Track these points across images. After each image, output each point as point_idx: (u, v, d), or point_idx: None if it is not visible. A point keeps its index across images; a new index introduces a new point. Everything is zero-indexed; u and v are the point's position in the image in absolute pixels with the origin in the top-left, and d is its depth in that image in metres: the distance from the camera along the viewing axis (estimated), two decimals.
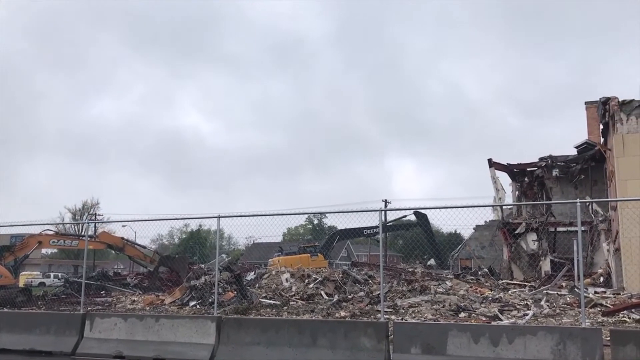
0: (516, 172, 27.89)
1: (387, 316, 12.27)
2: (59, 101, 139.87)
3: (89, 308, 16.53)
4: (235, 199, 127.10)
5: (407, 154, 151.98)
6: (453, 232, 49.08)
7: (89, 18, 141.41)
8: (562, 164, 26.46)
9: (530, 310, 13.20)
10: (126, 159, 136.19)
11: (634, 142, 18.01)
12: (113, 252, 29.18)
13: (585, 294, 11.72)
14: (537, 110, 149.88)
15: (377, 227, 26.66)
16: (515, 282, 20.01)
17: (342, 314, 13.89)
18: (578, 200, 9.85)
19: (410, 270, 23.08)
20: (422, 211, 28.48)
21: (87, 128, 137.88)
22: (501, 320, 12.18)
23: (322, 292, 17.19)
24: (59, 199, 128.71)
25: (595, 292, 15.76)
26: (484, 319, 12.38)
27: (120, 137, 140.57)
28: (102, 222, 53.85)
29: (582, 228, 12.05)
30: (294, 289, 17.79)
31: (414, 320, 12.28)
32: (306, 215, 75.61)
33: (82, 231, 49.71)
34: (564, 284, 17.56)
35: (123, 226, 27.80)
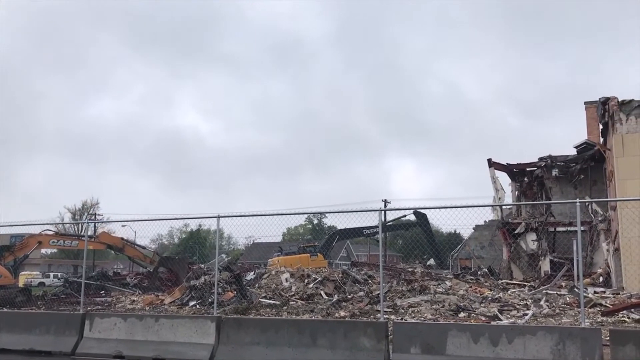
0: (516, 172, 27.90)
1: (387, 316, 12.27)
2: (58, 101, 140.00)
3: (88, 308, 16.53)
4: (235, 199, 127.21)
5: (407, 154, 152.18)
6: (453, 232, 49.12)
7: (89, 18, 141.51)
8: (562, 164, 26.48)
9: (529, 310, 13.20)
10: (126, 159, 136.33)
11: (634, 142, 18.02)
12: (113, 252, 29.17)
13: (584, 294, 11.72)
14: (537, 110, 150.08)
15: (376, 227, 26.69)
16: (514, 282, 20.02)
17: (342, 313, 13.89)
18: (577, 200, 9.86)
19: (409, 270, 23.09)
20: (422, 211, 28.51)
21: (86, 128, 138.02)
22: (501, 320, 12.18)
23: (322, 292, 17.20)
24: (58, 198, 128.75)
25: (595, 292, 15.76)
26: (483, 318, 12.39)
27: (120, 137, 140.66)
28: (102, 222, 53.83)
29: (582, 228, 12.04)
30: (293, 288, 17.80)
31: (413, 320, 12.28)
32: (306, 215, 75.58)
33: (81, 231, 49.73)
34: (563, 284, 17.57)
35: (123, 226, 27.82)
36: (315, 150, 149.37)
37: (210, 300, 15.95)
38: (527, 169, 27.02)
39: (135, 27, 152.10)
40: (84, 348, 10.69)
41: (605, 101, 19.25)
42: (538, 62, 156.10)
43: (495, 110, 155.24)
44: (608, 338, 8.33)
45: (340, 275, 19.42)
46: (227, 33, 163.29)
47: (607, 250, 19.96)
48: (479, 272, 22.98)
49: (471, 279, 19.97)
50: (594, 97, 22.13)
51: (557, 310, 13.31)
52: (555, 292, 15.90)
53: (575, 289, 15.23)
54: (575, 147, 25.93)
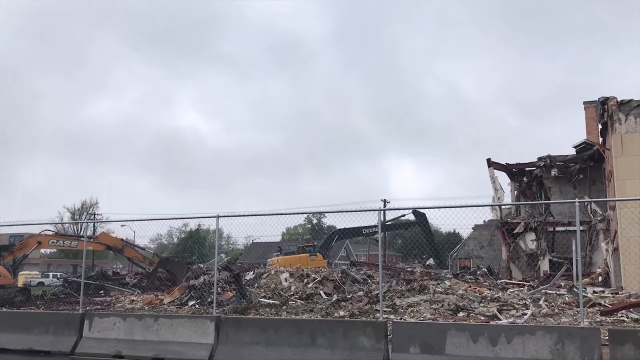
0: (515, 171, 27.91)
1: (386, 316, 12.28)
2: (58, 101, 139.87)
3: (87, 308, 16.53)
4: (234, 198, 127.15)
5: (406, 154, 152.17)
6: (452, 231, 49.04)
7: (88, 18, 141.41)
8: (561, 163, 26.48)
9: (528, 309, 13.21)
10: (125, 159, 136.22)
11: (633, 142, 18.03)
12: (112, 252, 29.17)
13: (583, 294, 11.74)
14: (536, 110, 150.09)
15: (375, 226, 26.67)
16: (513, 281, 20.02)
17: (341, 313, 13.89)
18: (577, 199, 9.87)
19: (409, 269, 23.10)
20: (421, 210, 28.46)
21: (86, 128, 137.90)
22: (500, 319, 12.19)
23: (321, 292, 17.20)
24: (58, 198, 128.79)
25: (594, 292, 15.78)
26: (482, 318, 12.39)
27: (120, 137, 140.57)
28: (101, 222, 53.82)
29: (581, 228, 12.06)
30: (293, 288, 17.79)
31: (412, 320, 12.29)
32: (305, 215, 75.59)
33: (81, 231, 49.72)
34: (562, 284, 17.57)
35: (122, 226, 27.71)
36: (315, 150, 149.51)
37: (209, 300, 15.94)
38: (526, 169, 27.03)
39: (135, 27, 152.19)
40: (83, 348, 10.69)
41: (604, 101, 19.26)
42: (537, 62, 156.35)
43: (495, 110, 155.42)
44: (607, 338, 8.34)
45: (339, 274, 19.41)
46: (227, 33, 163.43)
47: (606, 250, 19.97)
48: (478, 272, 22.99)
49: (470, 279, 19.97)
50: (593, 97, 22.15)
51: (556, 310, 13.32)
52: (554, 292, 15.90)
53: (574, 289, 15.24)
54: (575, 147, 25.94)
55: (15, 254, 23.65)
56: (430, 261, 34.36)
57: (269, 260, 32.99)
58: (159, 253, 38.79)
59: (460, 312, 13.20)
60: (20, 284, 34.99)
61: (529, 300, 14.69)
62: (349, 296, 16.44)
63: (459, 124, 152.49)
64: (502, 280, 20.32)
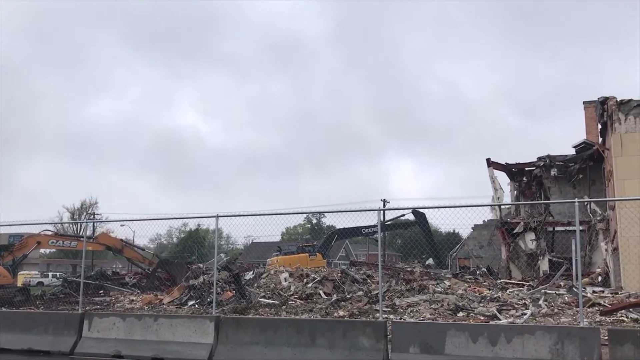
0: (514, 171, 27.90)
1: (386, 315, 12.28)
2: (58, 101, 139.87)
3: (87, 307, 16.52)
4: (234, 198, 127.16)
5: (406, 154, 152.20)
6: (451, 231, 49.04)
7: (88, 18, 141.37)
8: (561, 163, 26.48)
9: (528, 309, 13.22)
10: (125, 159, 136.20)
11: (632, 142, 18.02)
12: (112, 252, 29.15)
13: (583, 294, 11.73)
14: (536, 110, 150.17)
15: (375, 226, 26.66)
16: (513, 281, 20.02)
17: (341, 313, 13.89)
18: (576, 199, 9.87)
19: (408, 269, 23.09)
20: (421, 210, 28.44)
21: (86, 128, 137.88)
22: (499, 319, 12.19)
23: (321, 292, 17.19)
24: (57, 198, 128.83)
25: (594, 292, 15.77)
26: (482, 318, 12.39)
27: (119, 137, 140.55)
28: (101, 222, 53.82)
29: (581, 227, 12.05)
30: (292, 288, 17.78)
31: (412, 320, 12.29)
32: (305, 215, 75.57)
33: (80, 231, 49.69)
34: (562, 284, 17.57)
35: (122, 225, 27.73)
36: (315, 150, 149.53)
37: (209, 299, 15.94)
38: (526, 169, 27.01)
39: (135, 27, 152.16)
40: (82, 348, 10.69)
41: (604, 101, 19.25)
42: (537, 62, 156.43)
43: (495, 110, 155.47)
44: (606, 337, 8.34)
45: (339, 274, 19.41)
46: (227, 33, 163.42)
47: (606, 250, 19.97)
48: (477, 272, 22.99)
49: (470, 279, 19.97)
50: (593, 97, 22.14)
51: (556, 310, 13.32)
52: (553, 292, 15.90)
53: (573, 289, 15.24)
54: (574, 147, 25.94)
55: (14, 254, 23.64)
56: (430, 261, 34.36)
57: (268, 260, 32.98)
58: (159, 253, 38.80)
59: (460, 312, 13.20)
60: (19, 283, 34.97)
61: (528, 300, 14.69)
62: (348, 296, 16.44)
63: (458, 124, 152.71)
64: (502, 280, 20.32)
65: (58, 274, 52.94)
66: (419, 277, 19.38)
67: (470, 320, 11.96)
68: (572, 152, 26.36)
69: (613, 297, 15.07)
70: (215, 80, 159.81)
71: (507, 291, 16.79)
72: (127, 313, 12.92)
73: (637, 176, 17.55)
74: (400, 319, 12.45)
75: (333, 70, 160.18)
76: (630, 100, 18.39)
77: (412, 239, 34.95)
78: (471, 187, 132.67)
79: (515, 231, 23.42)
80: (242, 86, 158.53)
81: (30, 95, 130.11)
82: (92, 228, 50.45)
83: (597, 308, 13.41)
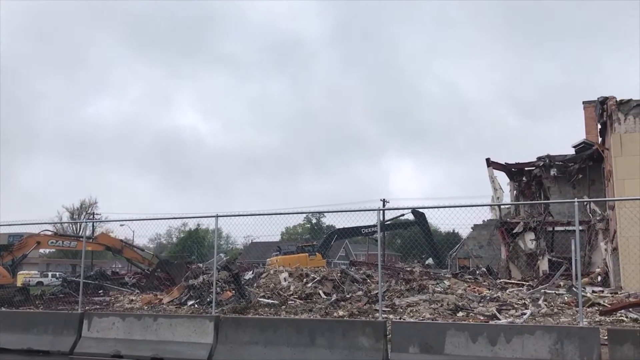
0: (514, 171, 27.90)
1: (385, 315, 12.28)
2: (57, 101, 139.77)
3: (86, 307, 16.51)
4: (233, 198, 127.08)
5: (406, 154, 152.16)
6: (451, 231, 49.03)
7: (88, 18, 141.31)
8: (560, 163, 26.48)
9: (528, 309, 13.22)
10: (125, 159, 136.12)
11: (632, 142, 18.03)
12: (111, 252, 29.14)
13: (582, 293, 11.73)
14: (535, 110, 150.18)
15: (375, 226, 26.66)
16: (513, 281, 20.03)
17: (340, 313, 13.89)
18: (576, 199, 9.87)
19: (408, 269, 23.09)
20: (420, 210, 28.42)
21: (85, 128, 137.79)
22: (499, 319, 12.19)
23: (320, 292, 17.19)
24: (57, 198, 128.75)
25: (593, 292, 15.77)
26: (482, 318, 12.39)
27: (119, 137, 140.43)
28: (101, 222, 53.81)
29: (580, 227, 12.07)
30: (292, 288, 17.78)
31: (412, 320, 12.29)
32: (304, 215, 75.60)
33: (80, 230, 49.69)
34: (561, 283, 17.58)
35: (121, 225, 27.71)
36: (314, 150, 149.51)
37: (208, 299, 15.93)
38: (526, 169, 27.01)
39: (134, 27, 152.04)
40: (82, 347, 10.68)
41: (603, 101, 19.25)
42: (537, 61, 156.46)
43: (494, 110, 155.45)
44: (606, 337, 8.34)
45: (338, 274, 19.42)
46: (227, 33, 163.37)
47: (606, 250, 19.97)
48: (477, 272, 22.98)
49: (470, 279, 19.98)
50: (593, 97, 22.15)
51: (556, 310, 13.32)
52: (553, 292, 15.91)
53: (573, 289, 15.24)
54: (574, 147, 25.94)
55: (14, 254, 23.64)
56: (430, 261, 34.34)
57: (268, 259, 33.00)
58: (158, 253, 38.79)
59: (460, 312, 13.20)
60: (19, 283, 34.98)
61: (528, 300, 14.69)
62: (348, 296, 16.43)
63: (458, 123, 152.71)
64: (501, 280, 20.33)
65: (57, 273, 52.96)
66: (418, 277, 19.38)
67: (470, 320, 11.96)
68: (572, 152, 26.36)
69: (612, 297, 15.07)
70: (215, 80, 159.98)
71: (507, 291, 16.79)
72: (127, 313, 12.91)
73: (636, 176, 17.55)
74: (400, 318, 12.44)
75: (333, 70, 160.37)
76: (629, 100, 18.39)
77: (411, 239, 34.92)
78: (471, 187, 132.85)
79: (514, 231, 23.42)
80: (241, 86, 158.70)
81: (30, 95, 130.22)
82: (91, 228, 50.49)
83: (596, 308, 13.41)
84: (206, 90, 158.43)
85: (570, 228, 22.18)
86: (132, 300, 20.40)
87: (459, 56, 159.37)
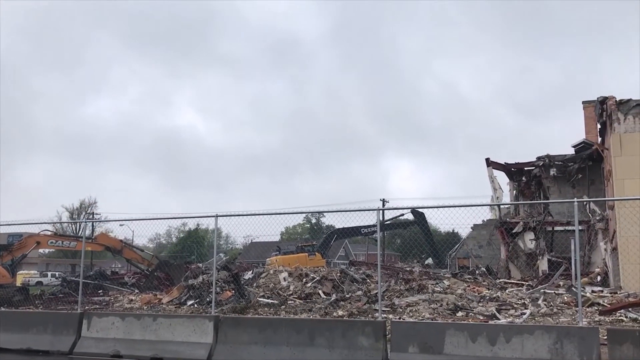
0: (514, 171, 27.91)
1: (385, 315, 12.29)
2: (57, 100, 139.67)
3: (86, 307, 16.51)
4: (233, 198, 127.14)
5: (405, 154, 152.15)
6: (451, 231, 49.06)
7: (87, 17, 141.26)
8: (560, 163, 26.49)
9: (527, 309, 13.22)
10: (124, 158, 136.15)
11: (632, 142, 18.03)
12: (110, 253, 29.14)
13: (582, 293, 11.74)
14: (535, 110, 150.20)
15: (374, 226, 26.67)
16: (512, 281, 20.03)
17: (340, 313, 13.89)
18: (575, 199, 9.87)
19: (408, 269, 23.09)
20: (420, 210, 28.42)
21: (84, 127, 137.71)
22: (499, 319, 12.20)
23: (320, 291, 17.19)
24: (56, 198, 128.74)
25: (593, 291, 15.78)
26: (481, 318, 12.40)
27: (118, 137, 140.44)
28: (100, 221, 53.81)
29: (580, 227, 12.05)
30: (291, 288, 17.79)
31: (411, 320, 12.29)
32: (304, 215, 75.67)
33: (79, 230, 49.67)
34: (561, 283, 17.59)
35: (121, 225, 27.68)
36: (313, 149, 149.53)
37: (208, 299, 15.93)
38: (525, 169, 27.01)
39: (132, 27, 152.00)
40: (81, 347, 10.68)
41: (603, 100, 19.25)
42: (536, 61, 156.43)
43: (493, 110, 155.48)
44: (605, 337, 8.35)
45: (338, 274, 19.41)
46: (225, 33, 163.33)
47: (605, 250, 19.98)
48: (477, 272, 23.00)
49: (469, 278, 19.99)
50: (592, 97, 22.16)
51: (555, 310, 13.33)
52: (553, 291, 15.91)
53: (573, 288, 15.25)
54: (573, 147, 25.95)
55: (13, 254, 23.63)
56: (429, 261, 34.35)
57: (267, 259, 33.01)
58: (158, 253, 38.81)
59: (459, 312, 13.20)
60: (18, 283, 34.96)
61: (527, 299, 14.70)
62: (347, 296, 16.44)
63: (457, 123, 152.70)
64: (501, 280, 20.33)
65: (57, 273, 52.91)
66: (418, 276, 19.37)
67: (470, 320, 11.96)
68: (572, 151, 26.38)
69: (612, 296, 15.08)
70: (213, 80, 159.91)
71: (506, 291, 16.80)
72: (126, 313, 12.91)
73: (636, 176, 17.56)
74: (400, 318, 12.44)
75: (331, 69, 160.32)
76: (629, 100, 18.40)
77: (411, 239, 34.94)
78: (470, 187, 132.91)
79: (514, 231, 23.42)
80: (240, 86, 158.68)
81: (29, 95, 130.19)
82: (91, 228, 50.48)
83: (596, 308, 13.42)
84: (205, 89, 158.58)
85: (570, 228, 22.18)
86: (131, 300, 20.39)
87: (458, 56, 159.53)
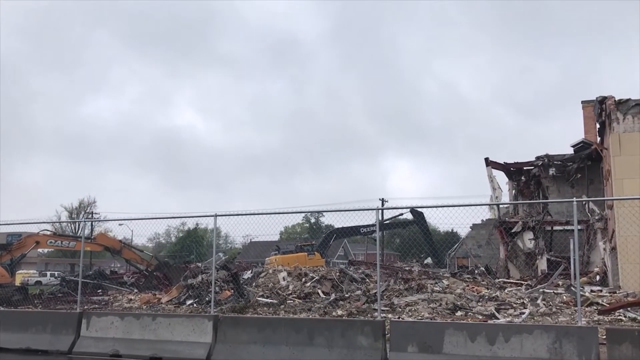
0: (513, 171, 27.94)
1: (384, 315, 12.30)
2: (56, 100, 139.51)
3: (85, 307, 16.51)
4: (232, 198, 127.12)
5: (404, 153, 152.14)
6: (450, 230, 49.07)
7: (86, 17, 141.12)
8: (559, 162, 26.51)
9: (526, 308, 13.23)
10: (123, 158, 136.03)
11: (631, 141, 18.05)
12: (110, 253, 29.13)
13: (581, 293, 11.76)
14: (534, 109, 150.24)
15: (373, 225, 26.69)
16: (511, 280, 20.05)
17: (339, 312, 13.90)
18: (574, 199, 9.87)
19: (407, 268, 23.10)
20: (419, 209, 28.43)
21: (84, 127, 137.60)
22: (498, 318, 12.21)
23: (319, 291, 17.20)
24: (56, 197, 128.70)
25: (592, 291, 15.80)
26: (480, 317, 12.40)
27: (118, 136, 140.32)
28: (99, 221, 53.77)
29: (579, 227, 12.07)
30: (291, 287, 17.79)
31: (410, 319, 12.29)
32: (303, 214, 75.65)
33: (78, 229, 49.62)
34: (560, 283, 17.61)
35: (120, 225, 27.71)
36: (313, 149, 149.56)
37: (207, 299, 15.94)
38: (524, 168, 27.05)
39: (133, 27, 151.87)
40: (80, 347, 10.67)
41: (602, 100, 19.27)
42: (536, 61, 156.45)
43: (493, 110, 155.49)
44: (604, 337, 8.36)
45: (337, 274, 19.42)
46: (225, 33, 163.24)
47: (604, 249, 20.00)
48: (476, 271, 23.01)
49: (468, 278, 20.00)
50: (591, 96, 22.17)
51: (554, 309, 13.34)
52: (552, 291, 15.93)
53: (572, 288, 15.26)
54: (572, 146, 25.98)
55: (13, 253, 23.63)
56: (428, 260, 34.38)
57: (267, 259, 33.04)
58: (157, 253, 38.82)
59: (458, 311, 13.21)
60: (17, 282, 34.95)
61: (526, 299, 14.71)
62: (347, 295, 16.45)
63: (457, 123, 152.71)
64: (500, 280, 20.34)
65: (56, 273, 52.89)
66: (417, 276, 19.38)
67: (469, 320, 11.96)
68: (571, 151, 26.41)
69: (611, 296, 15.09)
70: (213, 80, 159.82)
71: (506, 290, 16.81)
72: (126, 312, 12.91)
73: (635, 175, 17.58)
74: (399, 318, 12.45)
75: (331, 69, 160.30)
76: (628, 100, 18.42)
77: (410, 238, 34.97)
78: (469, 187, 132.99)
79: (513, 230, 23.44)
80: (240, 86, 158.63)
81: (28, 94, 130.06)
82: (90, 227, 50.42)
83: (595, 307, 13.43)
84: (205, 89, 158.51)
85: (569, 227, 22.17)
86: (130, 299, 20.39)
87: (458, 56, 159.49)
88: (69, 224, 73.31)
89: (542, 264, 21.71)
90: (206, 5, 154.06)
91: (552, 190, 27.97)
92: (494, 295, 15.37)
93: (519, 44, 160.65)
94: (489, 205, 30.21)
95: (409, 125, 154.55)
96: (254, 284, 19.19)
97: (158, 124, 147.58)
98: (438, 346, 8.55)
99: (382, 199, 60.04)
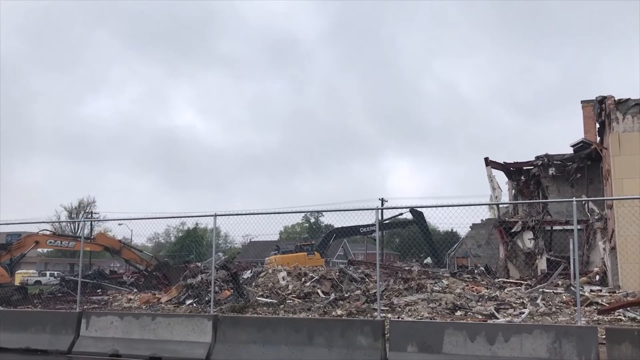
0: (512, 170, 27.94)
1: (384, 315, 12.30)
2: (56, 100, 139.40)
3: (85, 306, 16.50)
4: (232, 197, 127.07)
5: (404, 153, 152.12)
6: (449, 230, 49.06)
7: (86, 17, 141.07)
8: (559, 162, 26.52)
9: (526, 308, 13.24)
10: (123, 158, 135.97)
11: (630, 141, 18.06)
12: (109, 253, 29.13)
13: (581, 293, 11.76)
14: (534, 109, 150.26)
15: (373, 225, 26.68)
16: (511, 280, 20.05)
17: (339, 312, 13.90)
18: (574, 198, 9.88)
19: (406, 268, 23.10)
20: (419, 209, 28.43)
21: (84, 127, 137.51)
22: (497, 318, 12.21)
23: (319, 291, 17.19)
24: (55, 197, 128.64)
25: (591, 291, 15.80)
26: (480, 317, 12.40)
27: (117, 136, 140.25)
28: (99, 221, 53.77)
29: (578, 227, 12.08)
30: (290, 287, 17.79)
31: (410, 319, 12.29)
32: (303, 214, 75.69)
33: (78, 229, 49.63)
34: (559, 283, 17.61)
35: (119, 224, 27.72)
36: (313, 149, 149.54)
37: (207, 298, 15.94)
38: (524, 168, 27.06)
39: (133, 27, 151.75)
40: (80, 347, 10.67)
41: (601, 100, 19.28)
42: (535, 61, 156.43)
43: (493, 110, 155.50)
44: (604, 336, 8.35)
45: (337, 273, 19.41)
46: (225, 33, 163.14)
47: (604, 249, 20.01)
48: (475, 271, 23.01)
49: (468, 278, 19.99)
50: (591, 96, 22.17)
51: (554, 309, 13.35)
52: (551, 291, 15.93)
53: (571, 288, 15.26)
54: (572, 146, 25.99)
55: (12, 253, 23.62)
56: (428, 260, 34.39)
57: (266, 259, 33.04)
58: (157, 252, 38.82)
59: (458, 311, 13.21)
60: (17, 282, 34.95)
61: (526, 299, 14.71)
62: (346, 295, 16.44)
63: (457, 123, 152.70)
64: (500, 279, 20.35)
65: (56, 272, 52.89)
66: (417, 276, 19.38)
67: (468, 319, 11.96)
68: (570, 151, 26.41)
69: (611, 296, 15.10)
70: (212, 80, 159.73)
71: (505, 290, 16.81)
72: (125, 312, 12.91)
73: (635, 175, 17.59)
74: (398, 318, 12.45)
75: (331, 69, 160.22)
76: (628, 100, 18.43)
77: (410, 238, 34.98)
78: (469, 187, 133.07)
79: (513, 230, 23.45)
80: (240, 86, 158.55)
81: (28, 94, 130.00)
82: (89, 227, 50.43)
83: (594, 307, 13.44)
84: (205, 89, 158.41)
85: (569, 227, 22.19)
86: (130, 299, 20.39)
87: (458, 56, 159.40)
88: (69, 224, 73.35)
89: (541, 264, 21.72)
90: (206, 5, 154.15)
91: (551, 190, 27.98)
92: (493, 295, 15.37)
93: (519, 44, 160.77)
94: (489, 205, 30.21)
95: (409, 125, 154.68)
96: (253, 283, 19.18)
97: (158, 124, 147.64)
98: (438, 346, 8.55)
99: (382, 198, 60.08)
